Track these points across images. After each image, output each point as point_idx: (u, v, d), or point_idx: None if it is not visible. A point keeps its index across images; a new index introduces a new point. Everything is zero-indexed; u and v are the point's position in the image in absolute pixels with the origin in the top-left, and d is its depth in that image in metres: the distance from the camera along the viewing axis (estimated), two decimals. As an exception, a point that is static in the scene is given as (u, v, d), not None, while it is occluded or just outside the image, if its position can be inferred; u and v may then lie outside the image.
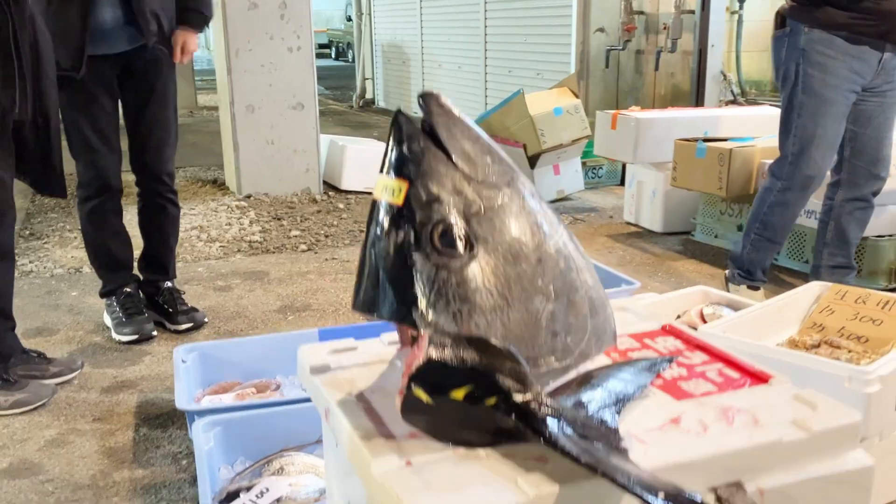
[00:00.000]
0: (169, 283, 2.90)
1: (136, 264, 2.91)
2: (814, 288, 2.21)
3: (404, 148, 1.03)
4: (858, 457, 1.02)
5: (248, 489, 1.74)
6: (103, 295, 2.84)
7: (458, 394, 0.93)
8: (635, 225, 4.35)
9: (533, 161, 4.86)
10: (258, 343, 2.42)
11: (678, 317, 2.48)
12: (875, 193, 2.91)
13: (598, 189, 5.42)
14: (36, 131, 2.25)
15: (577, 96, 4.99)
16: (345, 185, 5.14)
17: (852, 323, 2.03)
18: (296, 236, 4.13)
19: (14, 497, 1.86)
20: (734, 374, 1.16)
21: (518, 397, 0.94)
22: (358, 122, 9.60)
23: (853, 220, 2.93)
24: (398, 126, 1.04)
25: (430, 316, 0.97)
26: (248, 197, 4.89)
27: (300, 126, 4.97)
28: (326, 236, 4.15)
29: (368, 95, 11.31)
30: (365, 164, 5.18)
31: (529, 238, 1.04)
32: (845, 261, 2.97)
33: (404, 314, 0.98)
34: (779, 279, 3.35)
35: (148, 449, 2.06)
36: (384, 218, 1.01)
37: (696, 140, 3.75)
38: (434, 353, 0.94)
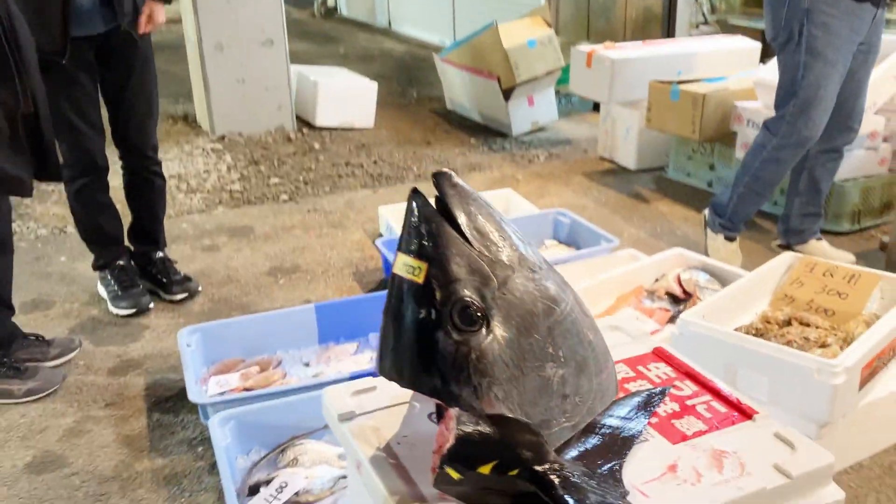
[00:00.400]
0: (160, 253, 2.95)
1: (125, 235, 2.94)
2: (785, 259, 2.34)
3: (423, 229, 1.10)
4: (831, 491, 1.16)
5: (268, 483, 1.88)
6: (96, 268, 2.89)
7: (485, 469, 1.05)
8: (610, 161, 4.44)
9: (507, 93, 4.87)
10: (257, 321, 2.51)
11: (656, 280, 2.61)
12: (847, 144, 3.01)
13: (572, 116, 5.46)
14: (25, 119, 2.25)
15: (549, 26, 4.96)
16: (319, 122, 5.12)
17: (820, 296, 2.17)
18: (276, 184, 4.15)
19: (44, 493, 1.97)
20: (721, 408, 1.29)
21: (537, 467, 1.06)
22: (321, 34, 9.38)
23: (825, 171, 3.04)
24: (418, 208, 1.10)
25: (453, 389, 1.07)
26: (223, 138, 4.86)
27: (270, 63, 4.90)
28: (306, 183, 4.18)
29: (330, 2, 11.01)
30: (338, 99, 5.15)
31: (540, 309, 1.13)
32: (816, 209, 3.10)
33: (428, 386, 1.09)
34: (749, 220, 3.48)
35: (163, 436, 2.17)
36: (406, 295, 1.10)
37: (670, 83, 3.79)
38: (462, 434, 1.04)
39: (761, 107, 3.52)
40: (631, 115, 4.18)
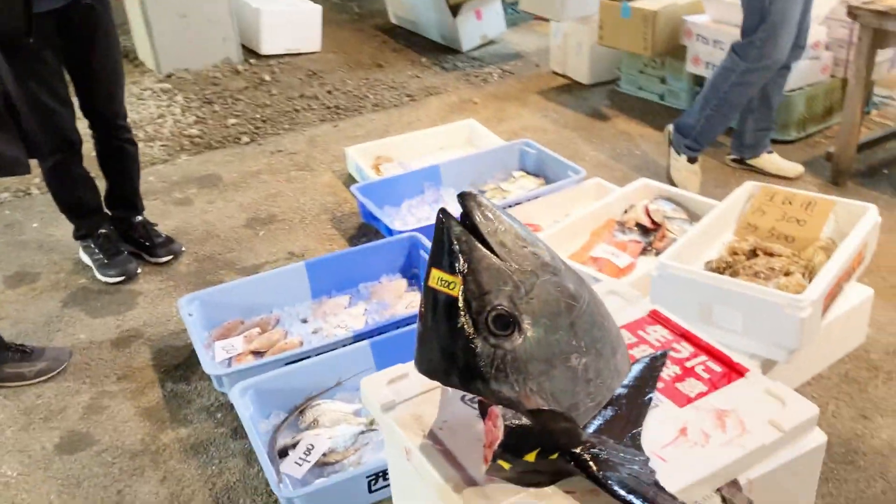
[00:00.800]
0: (140, 217, 2.98)
1: (103, 202, 2.95)
2: (747, 188, 2.50)
3: (455, 247, 1.21)
4: (816, 436, 1.36)
5: (294, 446, 2.03)
6: (78, 238, 2.91)
7: (531, 456, 1.21)
8: (563, 75, 4.50)
9: (455, 10, 4.84)
10: (252, 283, 2.60)
11: (625, 212, 2.77)
12: (796, 60, 3.15)
13: (519, 26, 5.46)
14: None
15: (492, -63, 4.90)
16: (265, 50, 5.03)
17: (780, 223, 2.36)
18: (234, 125, 4.13)
19: (80, 472, 2.09)
20: (717, 367, 1.46)
21: (573, 450, 1.22)
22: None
23: (776, 87, 3.19)
24: (447, 227, 1.21)
25: (493, 387, 1.22)
26: (170, 76, 4.76)
27: (211, -6, 4.76)
28: (264, 121, 4.17)
29: None
30: (282, 25, 5.05)
31: (563, 307, 1.27)
32: (767, 124, 3.27)
33: (470, 386, 1.23)
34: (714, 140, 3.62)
35: (181, 405, 2.29)
36: (443, 307, 1.22)
37: (620, 0, 3.85)
38: (508, 430, 1.19)
39: (709, 21, 3.63)
40: (582, 31, 4.23)
